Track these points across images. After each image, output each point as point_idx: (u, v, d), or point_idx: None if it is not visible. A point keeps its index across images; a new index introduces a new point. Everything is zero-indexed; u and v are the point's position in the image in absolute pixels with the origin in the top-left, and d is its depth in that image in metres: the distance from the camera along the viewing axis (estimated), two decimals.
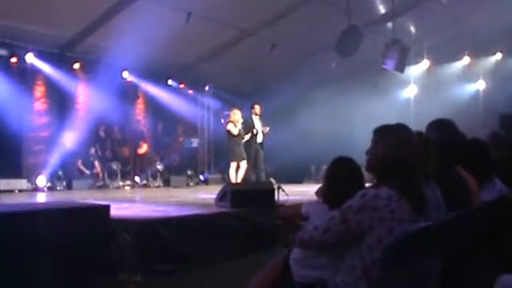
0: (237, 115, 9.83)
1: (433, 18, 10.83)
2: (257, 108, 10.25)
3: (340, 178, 2.52)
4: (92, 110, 11.94)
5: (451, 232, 2.01)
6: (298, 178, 13.77)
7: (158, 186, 12.66)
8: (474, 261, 2.31)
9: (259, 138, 10.10)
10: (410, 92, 14.01)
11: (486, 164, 3.00)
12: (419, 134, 2.48)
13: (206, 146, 15.37)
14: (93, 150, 11.94)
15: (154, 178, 13.01)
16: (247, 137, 9.90)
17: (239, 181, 9.56)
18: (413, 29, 11.75)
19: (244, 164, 9.72)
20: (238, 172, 9.70)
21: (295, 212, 2.83)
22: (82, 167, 11.66)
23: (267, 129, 10.12)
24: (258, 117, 10.22)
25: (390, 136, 2.14)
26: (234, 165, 9.71)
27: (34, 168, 10.92)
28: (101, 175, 11.84)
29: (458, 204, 2.33)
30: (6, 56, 10.46)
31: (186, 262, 4.56)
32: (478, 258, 2.34)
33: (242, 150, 9.77)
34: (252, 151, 9.93)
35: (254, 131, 9.97)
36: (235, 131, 9.66)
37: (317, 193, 2.75)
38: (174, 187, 12.17)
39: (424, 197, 2.05)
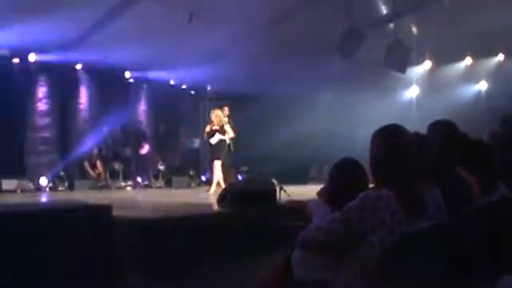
0: (213, 115, 10.03)
1: (435, 19, 10.81)
2: (225, 110, 10.53)
3: (344, 179, 2.51)
4: (94, 111, 11.95)
5: (452, 233, 2.01)
6: (299, 179, 13.74)
7: (160, 187, 12.66)
8: (475, 262, 2.31)
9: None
10: (411, 93, 13.98)
11: (488, 165, 2.98)
12: (416, 134, 2.47)
13: (207, 146, 15.34)
14: (95, 151, 11.96)
15: (156, 178, 13.01)
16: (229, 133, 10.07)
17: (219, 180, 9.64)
18: (415, 29, 11.72)
19: (217, 164, 9.83)
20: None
21: (303, 205, 2.79)
22: (88, 168, 11.68)
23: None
24: (227, 118, 10.40)
25: (383, 137, 2.13)
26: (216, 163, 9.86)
27: (37, 168, 10.94)
28: (103, 175, 11.86)
29: (459, 205, 2.32)
30: (9, 56, 10.47)
31: (187, 263, 4.57)
32: (479, 259, 2.34)
33: (217, 149, 9.96)
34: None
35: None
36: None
37: (318, 193, 2.74)
38: (176, 188, 12.17)
39: (422, 198, 2.05)
